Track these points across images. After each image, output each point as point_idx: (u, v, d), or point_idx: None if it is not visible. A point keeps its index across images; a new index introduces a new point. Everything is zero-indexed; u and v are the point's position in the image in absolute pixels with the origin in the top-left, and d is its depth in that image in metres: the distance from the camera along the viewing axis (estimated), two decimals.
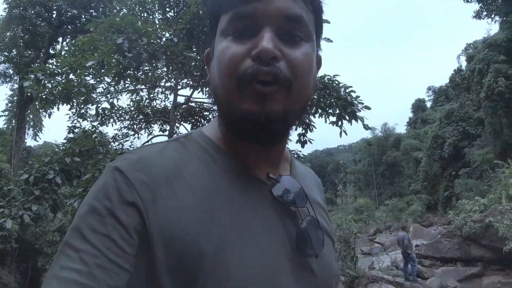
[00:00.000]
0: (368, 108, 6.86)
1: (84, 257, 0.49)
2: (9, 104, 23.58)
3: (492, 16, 22.99)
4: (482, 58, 25.62)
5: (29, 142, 23.17)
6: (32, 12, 15.14)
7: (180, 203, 0.56)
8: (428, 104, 49.75)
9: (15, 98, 19.84)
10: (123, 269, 0.50)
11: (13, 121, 19.28)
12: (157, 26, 5.58)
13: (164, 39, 5.58)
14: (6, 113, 23.69)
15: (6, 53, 16.97)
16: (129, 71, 5.61)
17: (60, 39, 17.14)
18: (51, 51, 16.77)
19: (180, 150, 0.64)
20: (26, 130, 20.98)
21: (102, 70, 5.63)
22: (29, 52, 17.22)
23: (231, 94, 0.59)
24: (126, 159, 0.59)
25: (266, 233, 0.61)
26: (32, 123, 23.98)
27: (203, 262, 0.54)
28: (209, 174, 0.62)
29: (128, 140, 9.33)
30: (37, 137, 25.05)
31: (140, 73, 7.43)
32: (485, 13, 22.71)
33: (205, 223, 0.56)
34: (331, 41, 5.42)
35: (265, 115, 0.57)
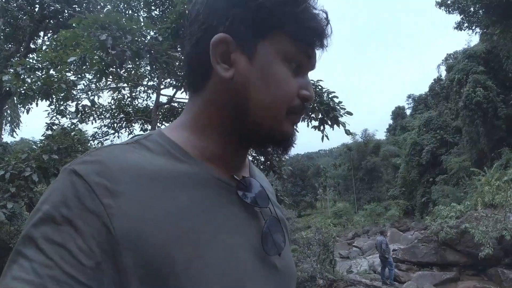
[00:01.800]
0: (350, 113, 6.92)
1: (37, 268, 0.46)
2: None
3: (473, 28, 23.47)
4: (461, 69, 26.29)
5: (6, 138, 22.51)
6: (15, 5, 14.77)
7: (146, 207, 0.54)
8: (408, 112, 50.65)
9: None
10: (79, 282, 0.47)
11: None
12: (142, 24, 5.51)
13: (148, 37, 5.52)
14: None
15: None
16: (111, 69, 5.52)
17: (41, 34, 16.76)
18: (32, 46, 16.40)
19: (143, 152, 0.61)
20: (3, 126, 20.45)
21: (84, 67, 5.53)
22: (9, 45, 16.80)
23: (278, 119, 0.67)
24: (84, 161, 0.55)
25: (235, 234, 0.62)
26: (9, 118, 23.36)
27: (175, 266, 0.52)
28: (175, 177, 0.60)
29: (108, 139, 9.21)
30: (14, 133, 24.39)
31: (123, 71, 7.34)
32: (466, 24, 23.15)
33: (174, 227, 0.54)
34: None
35: (294, 135, 0.71)
